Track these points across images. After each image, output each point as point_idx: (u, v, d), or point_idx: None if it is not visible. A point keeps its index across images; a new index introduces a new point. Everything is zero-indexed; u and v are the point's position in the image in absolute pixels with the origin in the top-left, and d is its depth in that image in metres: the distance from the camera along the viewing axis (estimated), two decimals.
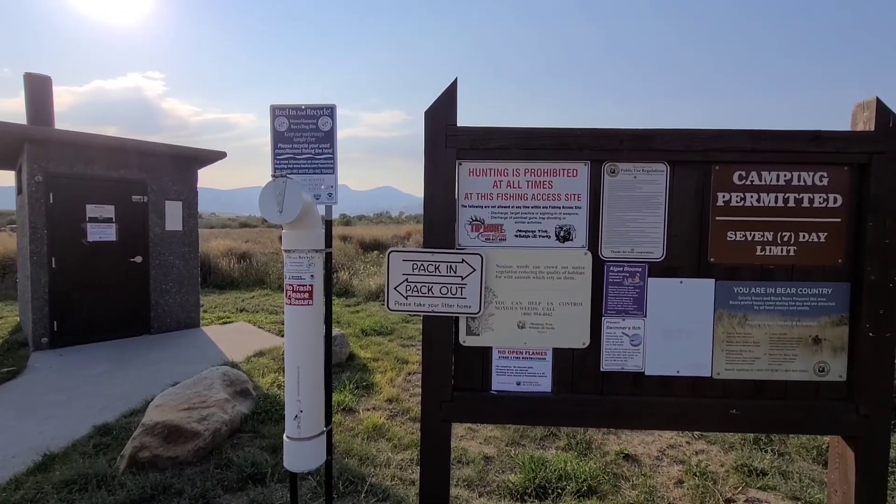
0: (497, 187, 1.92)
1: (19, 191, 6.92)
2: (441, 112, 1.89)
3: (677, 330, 1.93)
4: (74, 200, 6.18)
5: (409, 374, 4.75)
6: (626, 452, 2.94)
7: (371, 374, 4.73)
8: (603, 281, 1.91)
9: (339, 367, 4.96)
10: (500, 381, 1.96)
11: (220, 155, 7.45)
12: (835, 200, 1.89)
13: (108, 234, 6.45)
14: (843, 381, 1.92)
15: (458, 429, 3.37)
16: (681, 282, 1.92)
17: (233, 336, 6.73)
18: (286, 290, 1.97)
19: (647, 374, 1.93)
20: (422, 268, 1.88)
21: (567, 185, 1.90)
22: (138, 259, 6.70)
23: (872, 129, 1.85)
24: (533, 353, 1.93)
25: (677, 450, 2.99)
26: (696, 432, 3.21)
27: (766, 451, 2.95)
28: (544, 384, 1.94)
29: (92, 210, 6.31)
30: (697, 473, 2.66)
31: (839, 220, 1.89)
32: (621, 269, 1.91)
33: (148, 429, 3.02)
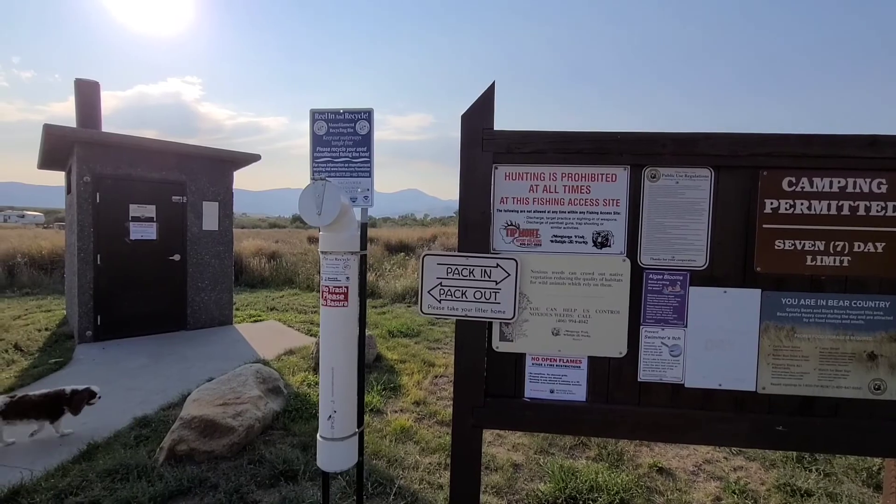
0: (533, 192, 1.90)
1: (68, 190, 7.30)
2: (478, 116, 1.89)
3: (720, 341, 1.85)
4: (119, 200, 6.48)
5: (436, 377, 4.75)
6: (660, 466, 2.85)
7: (398, 376, 4.75)
8: (642, 289, 1.86)
9: (366, 368, 4.99)
10: (533, 389, 1.93)
11: (254, 157, 7.68)
12: (894, 209, 1.79)
13: (149, 232, 6.72)
14: None
15: (486, 434, 3.34)
16: (724, 291, 1.85)
17: (264, 334, 6.90)
18: (322, 292, 2.00)
19: (686, 385, 1.87)
20: (456, 272, 1.88)
21: (605, 190, 1.86)
22: (176, 257, 6.96)
23: None
24: (567, 360, 1.90)
25: (714, 465, 2.88)
26: (734, 448, 3.08)
27: (810, 471, 2.80)
28: (579, 393, 1.90)
29: (135, 210, 6.60)
30: (736, 491, 2.55)
31: None
32: (661, 276, 1.86)
33: (185, 422, 3.12)
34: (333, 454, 2.00)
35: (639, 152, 1.84)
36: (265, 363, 5.08)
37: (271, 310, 8.70)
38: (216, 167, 7.29)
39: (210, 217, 7.25)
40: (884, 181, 1.78)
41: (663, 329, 1.87)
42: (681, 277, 1.85)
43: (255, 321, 7.83)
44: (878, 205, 1.79)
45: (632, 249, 1.86)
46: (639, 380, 1.88)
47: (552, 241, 1.89)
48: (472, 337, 1.91)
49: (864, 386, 1.82)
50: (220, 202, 7.36)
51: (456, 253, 1.89)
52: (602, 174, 1.87)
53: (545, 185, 1.89)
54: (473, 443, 1.93)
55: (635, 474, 2.74)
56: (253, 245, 14.17)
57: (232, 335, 6.86)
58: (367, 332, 5.54)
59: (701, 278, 1.85)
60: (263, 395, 3.65)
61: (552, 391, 1.92)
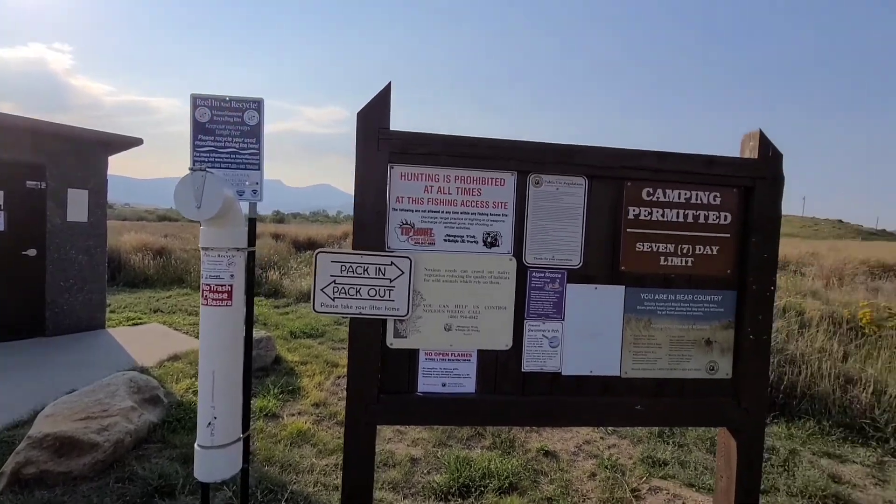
0: (428, 192, 1.95)
1: None
2: (374, 114, 1.89)
3: (591, 332, 2.07)
4: None
5: (339, 377, 4.66)
6: (547, 449, 3.09)
7: (298, 378, 4.57)
8: (526, 286, 2.01)
9: (263, 371, 4.74)
10: (426, 383, 1.98)
11: (134, 141, 6.85)
12: (725, 218, 2.13)
13: None
14: (728, 378, 2.17)
15: (386, 431, 3.36)
16: (595, 288, 2.06)
17: (145, 338, 6.19)
18: (202, 290, 1.86)
19: (563, 374, 2.05)
20: (350, 269, 1.86)
21: (495, 193, 1.98)
22: (32, 252, 5.97)
23: (756, 157, 2.11)
24: (459, 354, 1.98)
25: (592, 445, 3.20)
26: (609, 428, 3.45)
27: (668, 444, 3.24)
28: (469, 385, 2.00)
29: None
30: (609, 466, 2.86)
31: (728, 235, 2.14)
32: (543, 274, 2.02)
33: (35, 442, 2.70)
34: (213, 463, 1.88)
35: (525, 160, 1.98)
36: (144, 371, 4.57)
37: (155, 312, 7.84)
38: (86, 150, 6.38)
39: (77, 206, 6.33)
40: (718, 194, 2.12)
41: (544, 323, 2.03)
42: (559, 275, 2.03)
43: (135, 324, 7.00)
44: (714, 214, 2.12)
45: (518, 249, 2.00)
46: (522, 370, 2.02)
47: (446, 241, 1.96)
48: (366, 334, 1.91)
49: (703, 367, 2.15)
50: (90, 190, 6.45)
51: (350, 251, 1.88)
52: (492, 178, 1.98)
53: (439, 186, 1.96)
54: (367, 440, 1.94)
55: (524, 459, 2.95)
56: (136, 239, 12.62)
57: (104, 341, 6.07)
58: (266, 334, 5.25)
59: (576, 276, 2.04)
60: (138, 405, 3.29)
61: (444, 385, 1.99)
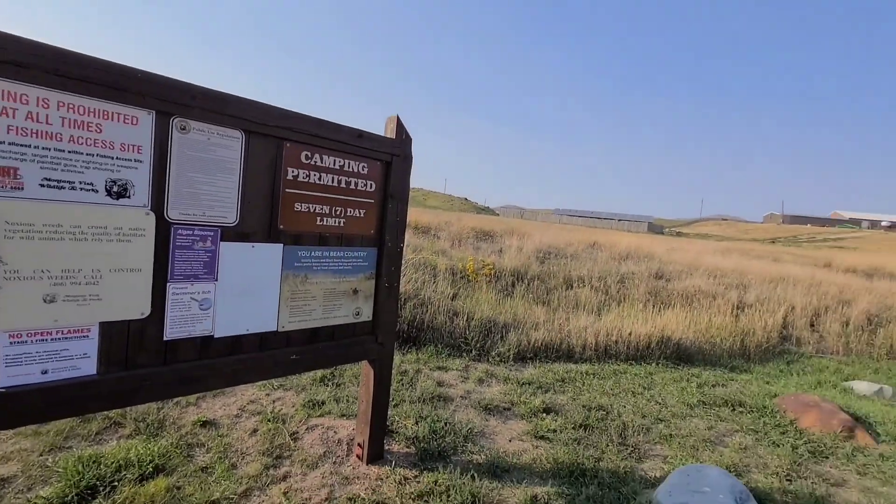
0: (7, 117, 1.42)
1: None
2: None
3: (248, 291, 2.05)
4: None
5: None
6: (205, 420, 2.91)
7: None
8: (169, 245, 1.78)
9: None
10: (14, 375, 1.50)
11: None
12: (371, 186, 2.49)
13: None
14: (370, 320, 2.60)
15: None
16: (252, 246, 2.04)
17: None
18: None
19: (217, 336, 1.97)
20: None
21: (124, 133, 1.63)
22: None
23: (394, 136, 2.55)
24: (69, 331, 1.58)
25: (257, 403, 3.22)
26: (277, 382, 3.56)
27: (328, 386, 3.63)
28: (87, 366, 1.64)
29: None
30: (271, 419, 2.96)
31: (373, 201, 2.52)
32: (191, 232, 1.84)
33: None
34: None
35: (167, 99, 1.71)
36: None
37: None
38: None
39: None
40: (366, 165, 2.45)
41: (193, 284, 1.87)
42: (212, 233, 1.90)
43: None
44: (362, 182, 2.45)
45: (158, 203, 1.73)
46: (165, 339, 1.81)
47: (43, 186, 1.49)
48: None
49: (350, 313, 2.50)
50: None
51: None
52: (119, 114, 1.62)
53: (30, 112, 1.46)
54: None
55: (177, 436, 2.68)
56: None
57: None
58: None
59: (232, 234, 1.96)
60: None
61: (45, 371, 1.56)
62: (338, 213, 2.36)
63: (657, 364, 5.23)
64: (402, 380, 3.92)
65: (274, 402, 3.29)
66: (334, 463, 2.60)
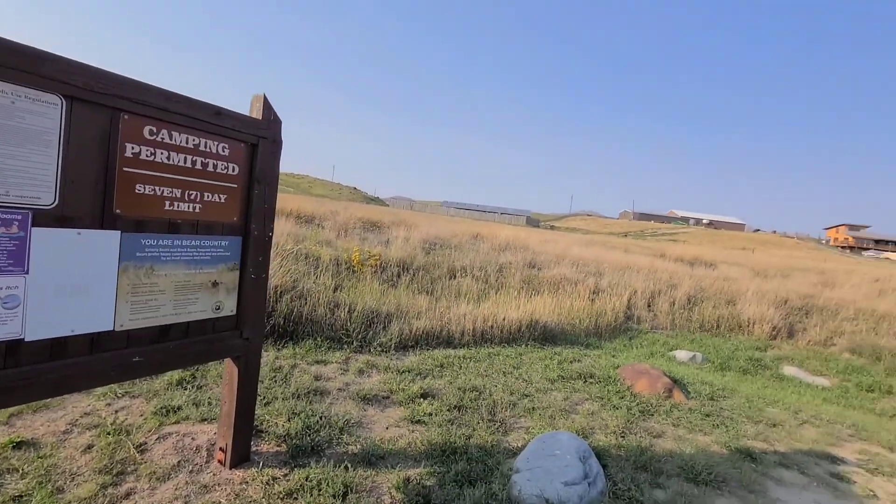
0: None
1: None
2: None
3: (73, 286, 1.76)
4: None
5: None
6: (21, 440, 2.42)
7: None
8: None
9: None
10: None
11: None
12: (234, 169, 2.30)
13: None
14: (233, 314, 2.41)
15: None
16: (79, 233, 1.75)
17: None
18: None
19: (28, 339, 1.65)
20: None
21: None
22: None
23: (261, 118, 2.38)
24: None
25: (94, 415, 2.78)
26: (121, 389, 3.11)
27: (186, 389, 3.28)
28: None
29: None
30: (111, 431, 2.58)
31: (236, 185, 2.32)
32: None
33: None
34: None
35: None
36: None
37: None
38: None
39: None
40: (227, 146, 2.25)
41: None
42: (19, 217, 1.58)
43: None
44: (223, 164, 2.24)
45: None
46: None
47: None
48: None
49: (209, 308, 2.29)
50: None
51: None
52: None
53: None
54: None
55: None
56: None
57: None
58: None
59: (49, 218, 1.66)
60: None
61: None
62: (192, 197, 2.13)
63: (526, 345, 5.73)
64: (275, 376, 3.72)
65: (116, 412, 2.88)
66: (191, 472, 2.37)
